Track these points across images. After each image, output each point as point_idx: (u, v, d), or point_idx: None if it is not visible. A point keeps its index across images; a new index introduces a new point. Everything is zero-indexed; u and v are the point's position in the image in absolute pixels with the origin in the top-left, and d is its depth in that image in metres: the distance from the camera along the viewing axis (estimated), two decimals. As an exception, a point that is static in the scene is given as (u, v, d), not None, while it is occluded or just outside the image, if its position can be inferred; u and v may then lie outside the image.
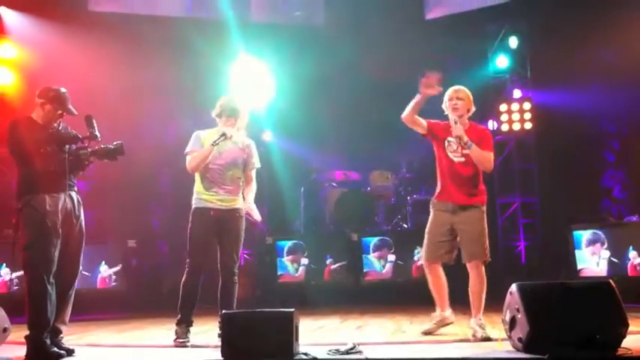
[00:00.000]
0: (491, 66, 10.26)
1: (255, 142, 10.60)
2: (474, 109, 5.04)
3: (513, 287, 3.92)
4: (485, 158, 4.86)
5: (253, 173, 5.21)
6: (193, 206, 5.02)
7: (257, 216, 5.12)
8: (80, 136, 4.47)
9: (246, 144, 5.19)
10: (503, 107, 10.11)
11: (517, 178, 10.10)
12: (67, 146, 4.39)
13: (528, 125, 10.00)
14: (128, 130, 8.32)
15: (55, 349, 4.20)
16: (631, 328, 3.75)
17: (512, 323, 3.88)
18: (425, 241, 5.03)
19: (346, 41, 9.99)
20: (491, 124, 10.14)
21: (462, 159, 4.92)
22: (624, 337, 3.66)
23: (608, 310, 3.70)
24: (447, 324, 4.98)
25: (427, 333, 4.91)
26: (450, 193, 4.95)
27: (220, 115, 5.05)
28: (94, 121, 4.44)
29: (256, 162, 5.23)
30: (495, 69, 10.26)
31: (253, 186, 5.20)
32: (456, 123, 4.86)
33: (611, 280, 3.91)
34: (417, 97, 4.86)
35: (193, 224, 4.97)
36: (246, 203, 5.10)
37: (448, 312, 5.03)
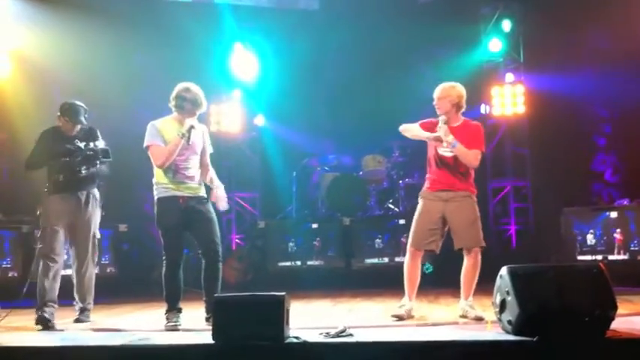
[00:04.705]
0: (484, 49, 10.23)
1: (248, 127, 10.77)
2: (464, 103, 5.01)
3: (503, 270, 3.93)
4: (470, 156, 4.89)
5: (208, 159, 5.16)
6: (157, 197, 4.92)
7: (224, 205, 5.05)
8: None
9: (202, 131, 5.12)
10: (495, 91, 10.11)
11: (509, 162, 10.14)
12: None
13: (521, 109, 10.02)
14: (120, 115, 8.28)
15: (46, 318, 5.00)
16: (620, 311, 3.76)
17: (502, 306, 3.89)
18: (413, 228, 5.03)
19: (340, 25, 9.96)
20: (484, 108, 10.15)
21: (452, 154, 4.95)
22: (613, 319, 3.68)
23: (598, 292, 3.71)
24: (412, 317, 4.89)
25: (397, 317, 4.82)
26: (442, 181, 4.99)
27: (181, 106, 4.93)
28: (98, 132, 5.47)
29: (210, 148, 5.19)
30: (488, 52, 10.24)
31: (212, 170, 5.15)
32: (445, 123, 4.91)
33: (600, 263, 3.93)
34: (425, 137, 5.00)
35: (163, 215, 4.87)
36: (216, 189, 5.02)
37: (415, 304, 5.02)
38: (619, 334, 3.67)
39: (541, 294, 3.69)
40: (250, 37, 10.48)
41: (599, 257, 7.59)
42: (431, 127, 5.04)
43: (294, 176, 10.00)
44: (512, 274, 3.84)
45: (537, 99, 9.85)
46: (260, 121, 10.81)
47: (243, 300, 3.91)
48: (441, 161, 5.00)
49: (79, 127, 5.40)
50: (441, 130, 4.90)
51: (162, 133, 4.90)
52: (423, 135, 5.00)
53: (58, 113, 5.38)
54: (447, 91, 5.01)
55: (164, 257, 4.89)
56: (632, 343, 3.57)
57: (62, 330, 4.50)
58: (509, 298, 3.80)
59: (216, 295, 4.23)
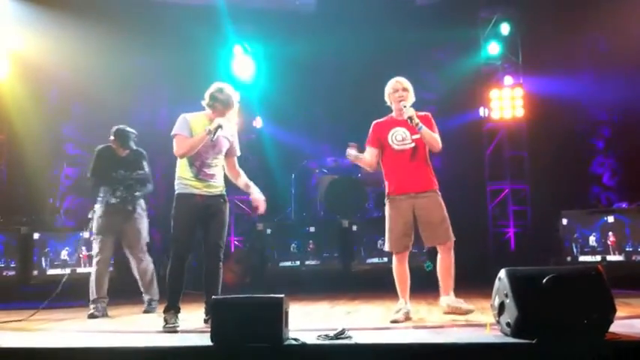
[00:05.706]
0: (482, 53, 10.24)
1: (246, 129, 10.76)
2: (414, 99, 5.09)
3: (502, 273, 3.93)
4: (435, 138, 4.94)
5: (236, 161, 5.27)
6: (177, 192, 5.00)
7: (262, 209, 5.18)
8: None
9: (232, 133, 5.20)
10: (494, 94, 10.11)
11: (507, 165, 10.14)
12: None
13: (519, 112, 10.02)
14: (119, 117, 8.24)
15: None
16: (619, 314, 3.77)
17: (501, 308, 3.89)
18: (389, 234, 5.03)
19: (338, 27, 9.95)
20: (482, 111, 10.15)
21: (412, 144, 4.98)
22: (612, 322, 3.68)
23: (596, 295, 3.71)
24: (409, 318, 4.93)
25: (396, 322, 4.81)
26: (405, 184, 4.99)
27: (213, 106, 5.00)
28: (143, 160, 6.27)
29: (238, 151, 5.28)
30: (487, 56, 10.24)
31: (243, 174, 5.27)
32: (405, 107, 4.96)
33: (599, 266, 3.93)
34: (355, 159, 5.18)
35: (179, 210, 4.95)
36: (253, 194, 5.18)
37: (411, 307, 5.04)
38: (618, 336, 3.66)
39: (540, 296, 3.69)
40: (248, 39, 10.49)
41: (599, 258, 7.63)
42: (383, 127, 5.13)
43: (292, 178, 10.00)
44: (511, 276, 3.84)
45: (536, 102, 9.86)
46: (258, 123, 10.81)
47: (242, 302, 3.91)
48: (399, 158, 5.02)
49: (128, 150, 6.21)
50: (409, 111, 4.92)
51: (191, 125, 4.97)
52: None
53: (112, 137, 6.19)
54: (410, 85, 5.10)
55: (171, 251, 4.92)
56: (631, 346, 3.57)
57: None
58: (507, 301, 3.79)
59: (214, 296, 4.22)
